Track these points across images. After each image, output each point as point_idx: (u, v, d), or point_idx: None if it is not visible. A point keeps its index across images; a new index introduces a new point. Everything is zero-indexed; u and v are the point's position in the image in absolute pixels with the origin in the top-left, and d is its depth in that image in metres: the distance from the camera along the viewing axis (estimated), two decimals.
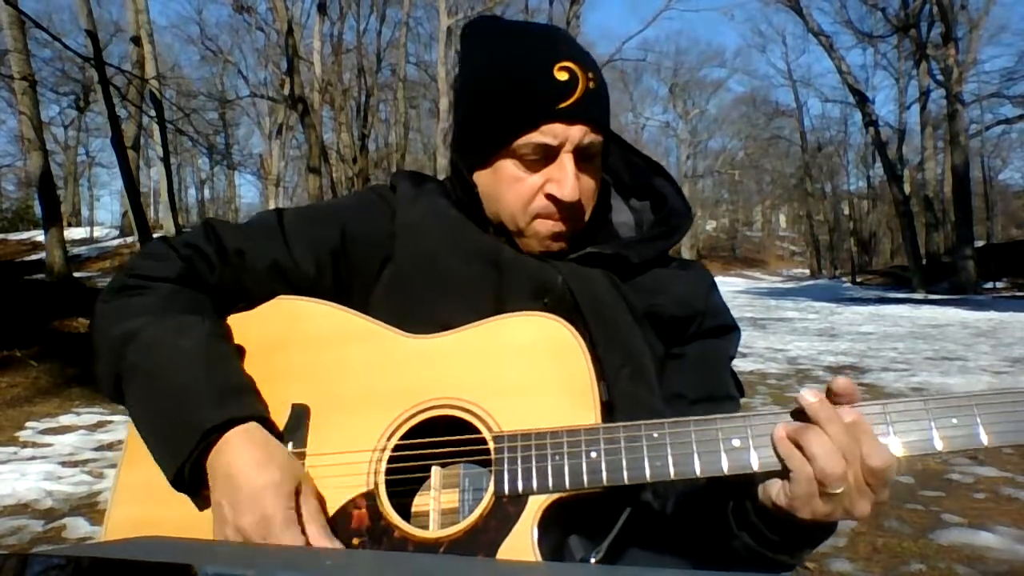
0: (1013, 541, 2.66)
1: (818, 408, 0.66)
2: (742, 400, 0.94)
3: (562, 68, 0.82)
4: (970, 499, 3.19)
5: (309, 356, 0.83)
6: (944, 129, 22.84)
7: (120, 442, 4.21)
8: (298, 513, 0.71)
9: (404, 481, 0.77)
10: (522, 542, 0.70)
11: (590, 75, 0.84)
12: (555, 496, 0.71)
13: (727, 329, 0.94)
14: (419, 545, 0.72)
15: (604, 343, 0.83)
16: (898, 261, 32.93)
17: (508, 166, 0.86)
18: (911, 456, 0.67)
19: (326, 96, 22.19)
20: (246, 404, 0.75)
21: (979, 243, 23.09)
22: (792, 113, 37.52)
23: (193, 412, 0.73)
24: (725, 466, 0.69)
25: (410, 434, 0.77)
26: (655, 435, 0.71)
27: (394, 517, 0.74)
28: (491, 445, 0.74)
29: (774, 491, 0.68)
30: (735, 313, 0.97)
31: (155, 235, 7.41)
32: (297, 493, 0.72)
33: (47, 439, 4.36)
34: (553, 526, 0.73)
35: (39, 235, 17.14)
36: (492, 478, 0.73)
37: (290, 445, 0.79)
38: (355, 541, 0.73)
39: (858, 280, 28.74)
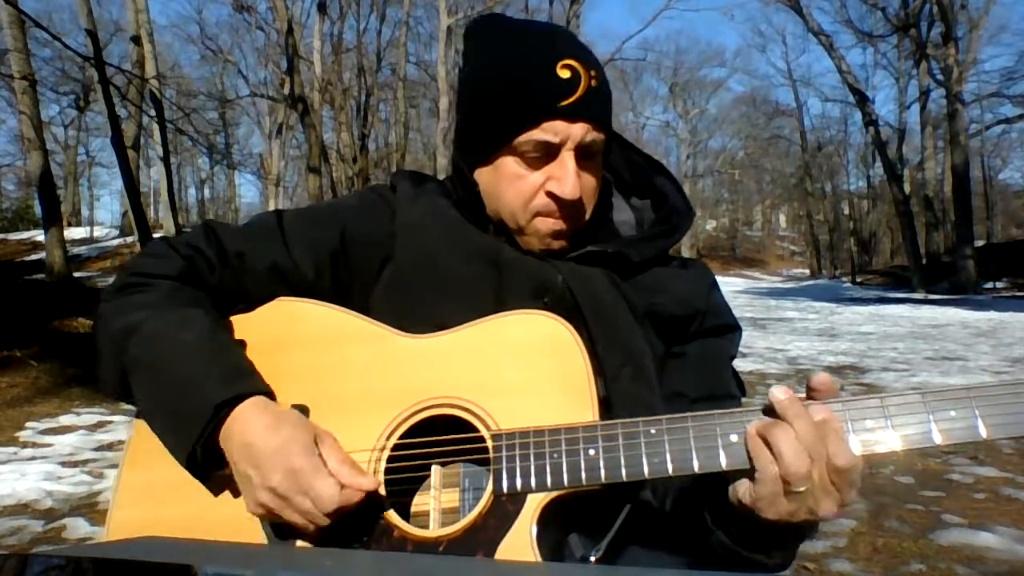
0: (1013, 541, 2.66)
1: (786, 405, 0.66)
2: (743, 400, 0.94)
3: (564, 66, 0.82)
4: (970, 499, 3.19)
5: (308, 357, 0.83)
6: (944, 129, 22.85)
7: (120, 442, 4.21)
8: (322, 460, 0.72)
9: (403, 480, 0.77)
10: (521, 540, 0.70)
11: (592, 73, 0.84)
12: (554, 494, 0.72)
13: (728, 328, 0.94)
14: (418, 544, 0.72)
15: (604, 342, 0.83)
16: (898, 261, 32.94)
17: (509, 163, 0.86)
18: (910, 449, 0.67)
19: (326, 96, 22.20)
20: (253, 383, 0.77)
21: (979, 243, 23.10)
22: (792, 113, 37.55)
23: (202, 392, 0.74)
24: (724, 462, 0.69)
25: (409, 433, 0.77)
26: (653, 432, 0.71)
27: (393, 516, 0.74)
28: (489, 444, 0.74)
29: (741, 490, 0.68)
30: (735, 313, 0.96)
31: (155, 235, 7.42)
32: (316, 444, 0.73)
33: (47, 439, 4.36)
34: (552, 524, 0.73)
35: (39, 235, 17.14)
36: (490, 477, 0.73)
37: None
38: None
39: (858, 280, 28.74)
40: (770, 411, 0.67)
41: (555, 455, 0.72)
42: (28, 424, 4.70)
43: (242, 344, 0.84)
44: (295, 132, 26.89)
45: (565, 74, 0.82)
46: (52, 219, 11.22)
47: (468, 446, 0.76)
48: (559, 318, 0.79)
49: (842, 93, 29.61)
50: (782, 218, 53.24)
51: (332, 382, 0.81)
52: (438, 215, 0.91)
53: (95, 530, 2.87)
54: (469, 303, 0.83)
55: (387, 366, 0.81)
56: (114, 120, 11.07)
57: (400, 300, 0.87)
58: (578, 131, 0.82)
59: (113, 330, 0.80)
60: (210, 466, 0.75)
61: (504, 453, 0.73)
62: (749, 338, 9.17)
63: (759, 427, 0.67)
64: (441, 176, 1.05)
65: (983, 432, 0.66)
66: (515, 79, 0.83)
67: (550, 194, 0.84)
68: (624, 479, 0.70)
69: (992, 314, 12.93)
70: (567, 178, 0.83)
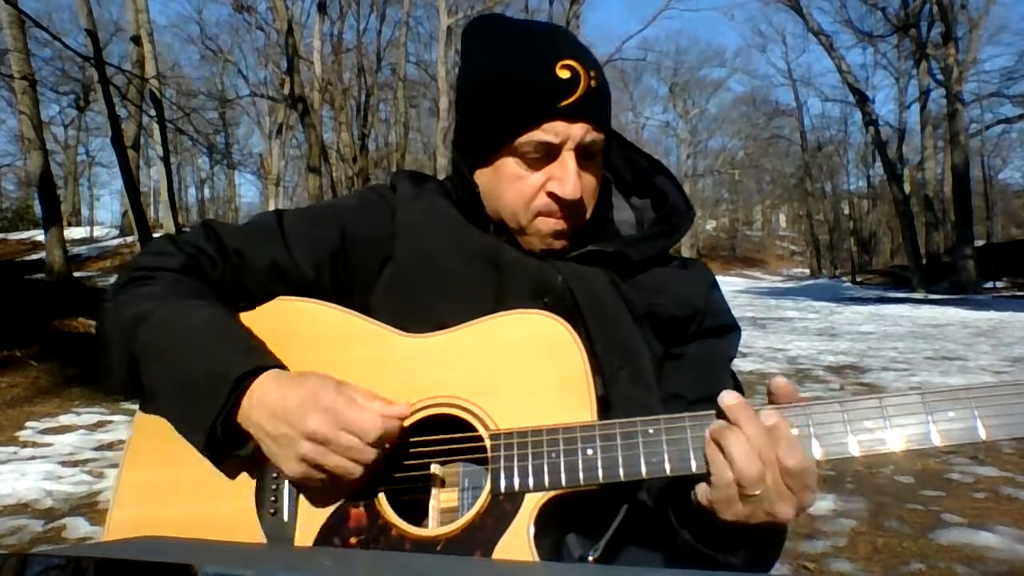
0: (1013, 541, 2.66)
1: (735, 409, 0.66)
2: None
3: (564, 66, 0.82)
4: (970, 499, 3.19)
5: (308, 356, 0.83)
6: (944, 129, 22.85)
7: (120, 442, 4.21)
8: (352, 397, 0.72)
9: (402, 479, 0.77)
10: (519, 540, 0.70)
11: (592, 73, 0.84)
12: (552, 494, 0.72)
13: (727, 329, 0.94)
14: (416, 543, 0.72)
15: (603, 343, 0.83)
16: (898, 261, 32.94)
17: (510, 164, 0.86)
18: (909, 450, 0.67)
19: (326, 96, 22.20)
20: (267, 357, 0.78)
21: (979, 243, 23.10)
22: (792, 113, 37.55)
23: (221, 366, 0.74)
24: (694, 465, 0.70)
25: (408, 433, 0.77)
26: (651, 432, 0.71)
27: (392, 516, 0.74)
28: (488, 443, 0.74)
29: (700, 492, 0.69)
30: (735, 313, 0.96)
31: (155, 235, 7.41)
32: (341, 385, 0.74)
33: (47, 439, 4.36)
34: (550, 524, 0.73)
35: (39, 235, 17.14)
36: (489, 476, 0.73)
37: None
38: (353, 540, 0.74)
39: (858, 280, 28.74)
40: (723, 416, 0.68)
41: (553, 455, 0.72)
42: (28, 424, 4.70)
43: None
44: (295, 132, 26.90)
45: (565, 74, 0.82)
46: (52, 219, 11.22)
47: (467, 445, 0.76)
48: (558, 318, 0.79)
49: (842, 93, 29.66)
50: (782, 218, 53.23)
51: None
52: (438, 215, 0.92)
53: (95, 530, 2.87)
54: (469, 303, 0.83)
55: (386, 365, 0.81)
56: (114, 120, 11.07)
57: (400, 300, 0.87)
58: (578, 131, 0.83)
59: (121, 320, 0.80)
60: (228, 445, 0.75)
61: (502, 452, 0.73)
62: (749, 338, 9.18)
63: (713, 432, 0.68)
64: (441, 176, 1.05)
65: (982, 433, 0.66)
66: (515, 80, 0.83)
67: (551, 194, 0.84)
68: (622, 479, 0.70)
69: (992, 314, 12.93)
70: (568, 178, 0.83)
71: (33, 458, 3.94)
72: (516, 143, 0.84)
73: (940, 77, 20.97)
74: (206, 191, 44.55)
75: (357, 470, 0.71)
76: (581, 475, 0.71)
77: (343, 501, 0.76)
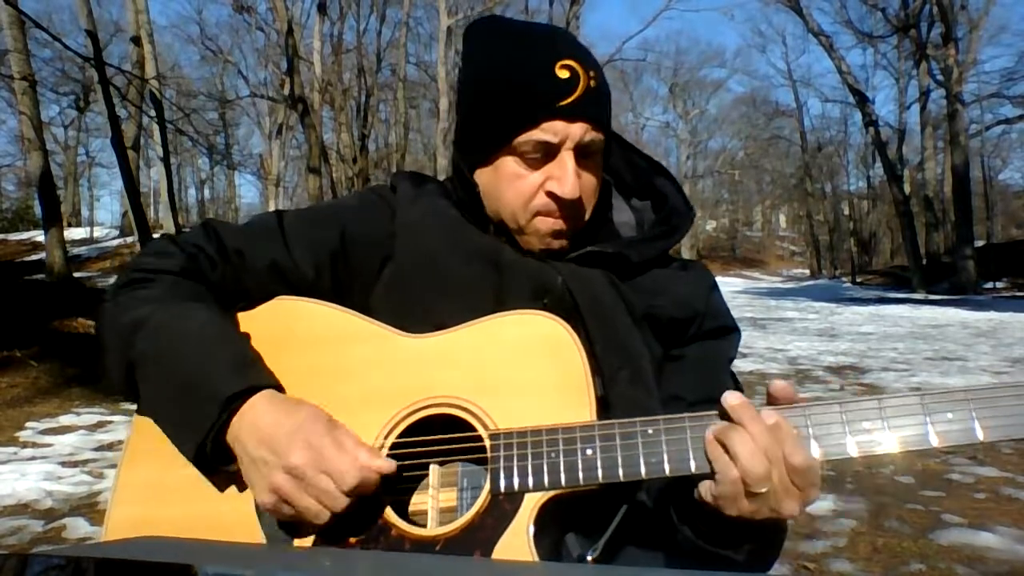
0: (1013, 541, 2.66)
1: (739, 409, 0.67)
2: None
3: (563, 66, 0.83)
4: (970, 499, 3.19)
5: (307, 356, 0.83)
6: (944, 129, 22.85)
7: (120, 442, 4.21)
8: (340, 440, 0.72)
9: (401, 479, 0.77)
10: (518, 540, 0.70)
11: (591, 74, 0.84)
12: (551, 494, 0.72)
13: (727, 330, 0.94)
14: (416, 543, 0.72)
15: (603, 344, 0.83)
16: (898, 261, 32.93)
17: (509, 163, 0.86)
18: (907, 451, 0.68)
19: (326, 96, 22.20)
20: (262, 374, 0.77)
21: (979, 243, 23.10)
22: (792, 113, 37.55)
23: (212, 383, 0.73)
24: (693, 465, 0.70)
25: (407, 433, 0.77)
26: (650, 432, 0.71)
27: (391, 515, 0.74)
28: (487, 443, 0.74)
29: (703, 488, 0.69)
30: (735, 313, 0.97)
31: (155, 235, 7.41)
32: (331, 425, 0.73)
33: (47, 439, 4.36)
34: (549, 524, 0.73)
35: (39, 235, 17.14)
36: (488, 476, 0.73)
37: None
38: (352, 540, 0.74)
39: (858, 280, 28.74)
40: (726, 416, 0.68)
41: (552, 455, 0.72)
42: (28, 424, 4.70)
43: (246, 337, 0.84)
44: (295, 132, 26.89)
45: (564, 74, 0.82)
46: (52, 219, 11.22)
47: (466, 445, 0.76)
48: (558, 318, 0.79)
49: (842, 93, 29.65)
50: (782, 218, 53.22)
51: (331, 381, 0.81)
52: (438, 215, 0.92)
53: (95, 530, 2.87)
54: (469, 303, 0.83)
55: (386, 365, 0.81)
56: (114, 120, 11.07)
57: (400, 300, 0.87)
58: (577, 131, 0.83)
59: (119, 325, 0.80)
60: (218, 461, 0.75)
61: (502, 452, 0.73)
62: (749, 338, 9.18)
63: (716, 431, 0.68)
64: (441, 177, 1.05)
65: (980, 434, 0.66)
66: (514, 80, 0.84)
67: (550, 194, 0.85)
68: (621, 479, 0.70)
69: (992, 314, 12.93)
70: (566, 178, 0.83)
71: (33, 458, 3.94)
72: (515, 142, 0.84)
73: (940, 77, 20.97)
74: (206, 192, 44.59)
75: (324, 515, 0.70)
76: (580, 475, 0.71)
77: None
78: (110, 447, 4.21)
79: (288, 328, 0.85)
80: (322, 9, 22.19)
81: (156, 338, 0.77)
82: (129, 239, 18.11)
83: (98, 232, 25.76)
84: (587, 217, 0.89)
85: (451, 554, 0.71)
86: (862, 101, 24.20)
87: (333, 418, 0.74)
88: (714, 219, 50.59)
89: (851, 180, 39.81)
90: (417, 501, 0.79)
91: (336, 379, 0.81)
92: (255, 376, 0.75)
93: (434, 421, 0.78)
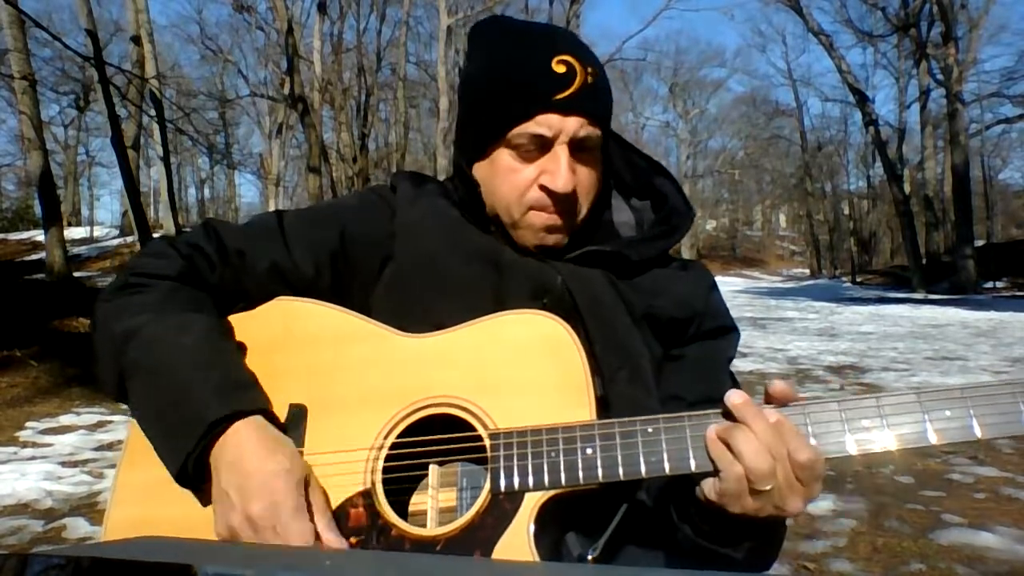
0: (1013, 541, 2.66)
1: (743, 408, 0.67)
2: None
3: (560, 61, 0.83)
4: (970, 499, 3.19)
5: (307, 357, 0.83)
6: (944, 129, 22.84)
7: (120, 442, 4.21)
8: (307, 503, 0.71)
9: (401, 479, 0.77)
10: (518, 539, 0.70)
11: (589, 70, 0.84)
12: (551, 493, 0.72)
13: (726, 330, 0.94)
14: (416, 543, 0.72)
15: (602, 343, 0.83)
16: (898, 261, 32.92)
17: (504, 157, 0.86)
18: (905, 448, 0.68)
19: (326, 96, 22.20)
20: (250, 398, 0.76)
21: (979, 243, 23.10)
22: (792, 113, 37.54)
23: (197, 406, 0.73)
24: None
25: (407, 432, 0.77)
26: (650, 431, 0.71)
27: (391, 515, 0.74)
28: (487, 443, 0.74)
29: (707, 487, 0.69)
30: (735, 313, 0.97)
31: (155, 235, 7.41)
32: (305, 485, 0.72)
33: (47, 439, 4.36)
34: (550, 523, 0.73)
35: (39, 235, 17.14)
36: (488, 475, 0.73)
37: None
38: (352, 540, 0.74)
39: (858, 280, 28.74)
40: (728, 415, 0.69)
41: (552, 454, 0.72)
42: (28, 424, 4.71)
43: (242, 347, 0.83)
44: (295, 132, 26.90)
45: (560, 69, 0.82)
46: (52, 219, 11.22)
47: (466, 445, 0.76)
48: (557, 318, 0.79)
49: (842, 93, 29.65)
50: (782, 218, 53.22)
51: (331, 381, 0.81)
52: (438, 215, 0.92)
53: (95, 530, 2.87)
54: (469, 303, 0.83)
55: (386, 365, 0.81)
56: (114, 120, 11.07)
57: (400, 300, 0.87)
58: (572, 125, 0.83)
59: (112, 333, 0.79)
60: (201, 479, 0.75)
61: (502, 452, 0.73)
62: (749, 338, 9.17)
63: (719, 430, 0.68)
64: (441, 177, 1.05)
65: (978, 432, 0.66)
66: (510, 74, 0.84)
67: (543, 187, 0.85)
68: (621, 478, 0.70)
69: (992, 314, 12.93)
70: (559, 171, 0.83)
71: (33, 458, 3.94)
72: (510, 135, 0.84)
73: (940, 77, 20.97)
74: (206, 191, 44.58)
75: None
76: (580, 474, 0.71)
77: (342, 501, 0.76)
78: (110, 447, 4.22)
79: (287, 328, 0.85)
80: (322, 8, 22.19)
81: (148, 350, 0.77)
82: (129, 239, 18.11)
83: (98, 232, 25.77)
84: (583, 213, 0.89)
85: (451, 554, 0.71)
86: (862, 100, 24.19)
87: (312, 474, 0.74)
88: (714, 219, 50.59)
89: (851, 180, 39.85)
90: (417, 501, 0.79)
91: (335, 379, 0.81)
92: (241, 401, 0.74)
93: (434, 421, 0.78)
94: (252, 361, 0.82)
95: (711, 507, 0.69)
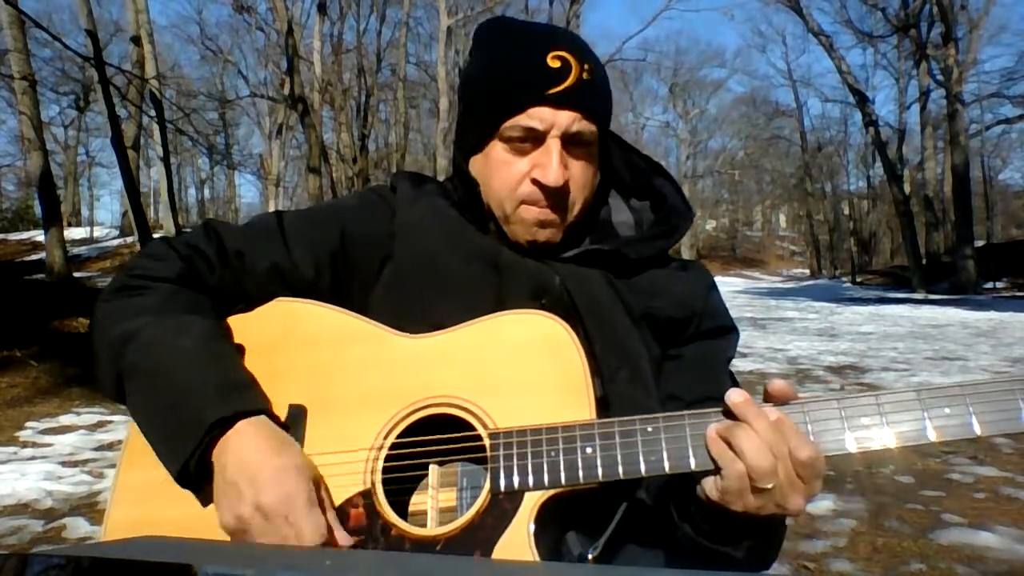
0: (1013, 541, 2.66)
1: (743, 406, 0.67)
2: None
3: (556, 56, 0.83)
4: (970, 499, 3.19)
5: (306, 357, 0.83)
6: (944, 129, 22.85)
7: (120, 442, 4.21)
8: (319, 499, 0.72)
9: (401, 479, 0.77)
10: (518, 539, 0.70)
11: (586, 66, 0.84)
12: (551, 492, 0.72)
13: (725, 330, 0.94)
14: (416, 543, 0.72)
15: (601, 344, 0.83)
16: (898, 261, 32.93)
17: (498, 150, 0.86)
18: (905, 446, 0.68)
19: (326, 96, 22.20)
20: (251, 398, 0.76)
21: (979, 243, 23.09)
22: (792, 113, 37.54)
23: (197, 407, 0.73)
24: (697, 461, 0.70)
25: (407, 433, 0.77)
26: (650, 430, 0.71)
27: (391, 515, 0.74)
28: (487, 442, 0.74)
29: (708, 486, 0.69)
30: (735, 313, 0.97)
31: (155, 235, 7.41)
32: (314, 482, 0.73)
33: (47, 439, 4.36)
34: (550, 522, 0.73)
35: (39, 235, 17.14)
36: (488, 475, 0.73)
37: None
38: (352, 540, 0.74)
39: (858, 280, 28.74)
40: (729, 414, 0.69)
41: (552, 453, 0.72)
42: (28, 424, 4.70)
43: (240, 348, 0.83)
44: (295, 132, 26.89)
45: (555, 64, 0.83)
46: (52, 219, 11.22)
47: (466, 445, 0.76)
48: (557, 318, 0.79)
49: (842, 93, 29.64)
50: (782, 218, 53.22)
51: (330, 382, 0.81)
52: (438, 216, 0.92)
53: (95, 530, 2.87)
54: (469, 303, 0.83)
55: (385, 366, 0.81)
56: (114, 120, 11.07)
57: (399, 300, 0.87)
58: (564, 119, 0.83)
59: (111, 336, 0.79)
60: (202, 480, 0.75)
61: (502, 452, 0.73)
62: (749, 338, 9.17)
63: (719, 429, 0.68)
64: (441, 177, 1.05)
65: (977, 429, 0.66)
66: (506, 69, 0.85)
67: (535, 181, 0.85)
68: (621, 477, 0.70)
69: (992, 314, 12.93)
70: (550, 165, 0.83)
71: (33, 458, 3.94)
72: (502, 128, 0.85)
73: (940, 77, 20.97)
74: (206, 191, 44.58)
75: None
76: (580, 474, 0.71)
77: (342, 501, 0.76)
78: (110, 447, 4.21)
79: (287, 329, 0.85)
80: (322, 9, 22.19)
81: (146, 353, 0.77)
82: (129, 239, 18.12)
83: (98, 232, 25.77)
84: (577, 210, 0.89)
85: (451, 554, 0.71)
86: (862, 101, 24.20)
87: (320, 475, 0.75)
88: (714, 219, 50.60)
89: (851, 180, 39.87)
90: (417, 501, 0.79)
91: (335, 380, 0.81)
92: (242, 401, 0.74)
93: (433, 421, 0.78)
94: (251, 362, 0.82)
95: (713, 506, 0.69)
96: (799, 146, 37.40)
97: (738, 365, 7.01)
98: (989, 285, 19.75)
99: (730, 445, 0.67)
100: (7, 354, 6.18)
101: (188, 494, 0.78)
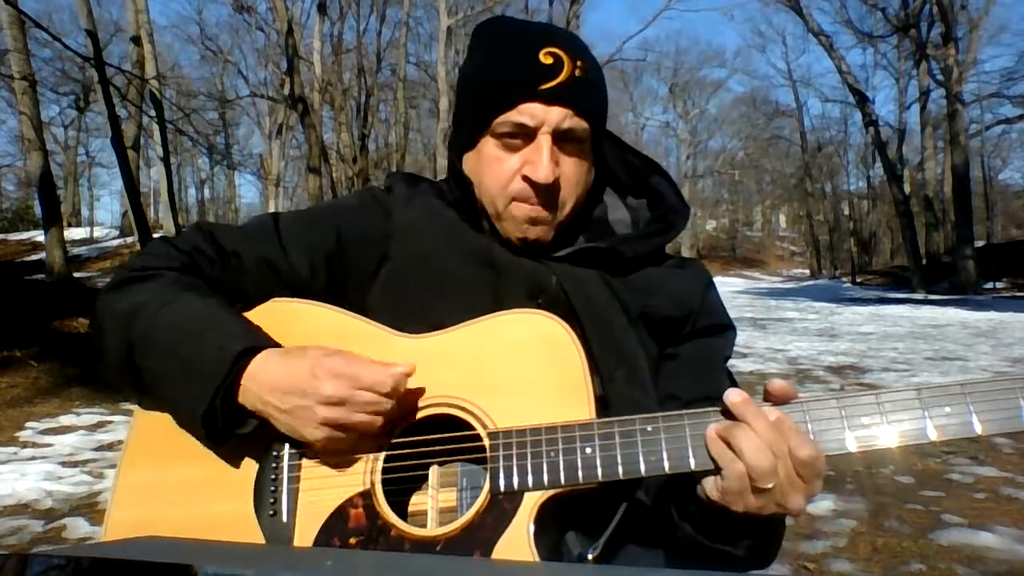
0: (1013, 541, 2.66)
1: (742, 406, 0.67)
2: None
3: (548, 53, 0.83)
4: (970, 499, 3.19)
5: None
6: (944, 129, 22.85)
7: (120, 442, 4.21)
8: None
9: (401, 480, 0.77)
10: (518, 539, 0.70)
11: (579, 63, 0.84)
12: (551, 493, 0.72)
13: (722, 328, 0.94)
14: (416, 543, 0.72)
15: (599, 343, 0.83)
16: (898, 261, 32.93)
17: (489, 147, 0.86)
18: (905, 445, 0.68)
19: (326, 96, 22.20)
20: (267, 338, 0.79)
21: (979, 243, 23.09)
22: (792, 113, 37.54)
23: (220, 343, 0.75)
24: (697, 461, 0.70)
25: (406, 433, 0.77)
26: (649, 429, 0.71)
27: (391, 516, 0.74)
28: (486, 443, 0.74)
29: (708, 485, 0.69)
30: (735, 313, 0.97)
31: (155, 235, 7.41)
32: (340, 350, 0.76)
33: (47, 439, 4.36)
34: (549, 522, 0.73)
35: (39, 235, 17.13)
36: (488, 475, 0.73)
37: (287, 446, 0.79)
38: (352, 540, 0.74)
39: (858, 280, 28.74)
40: (728, 413, 0.69)
41: (552, 453, 0.72)
42: (28, 424, 4.70)
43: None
44: (295, 132, 26.90)
45: (547, 60, 0.83)
46: (52, 219, 11.21)
47: (465, 445, 0.76)
48: (556, 317, 0.79)
49: (842, 93, 29.64)
50: (782, 218, 53.22)
51: None
52: (434, 216, 0.92)
53: (95, 530, 2.87)
54: (467, 303, 0.83)
55: None
56: (114, 120, 11.07)
57: (397, 300, 0.87)
58: (555, 116, 0.83)
59: (119, 310, 0.80)
60: (227, 424, 0.76)
61: (501, 452, 0.73)
62: (749, 338, 9.17)
63: (719, 429, 0.68)
64: (442, 177, 1.05)
65: (977, 428, 0.66)
66: (499, 66, 0.85)
67: (526, 178, 0.84)
68: (621, 477, 0.70)
69: (992, 314, 12.93)
70: (540, 161, 0.83)
71: (33, 458, 3.94)
72: (494, 124, 0.84)
73: (940, 77, 20.97)
74: (206, 191, 44.52)
75: (378, 421, 0.74)
76: (580, 474, 0.71)
77: (342, 501, 0.76)
78: (110, 447, 4.21)
79: (284, 329, 0.85)
80: (322, 9, 22.19)
81: (157, 318, 0.78)
82: (129, 239, 18.11)
83: (98, 232, 25.75)
84: (569, 207, 0.88)
85: (451, 554, 0.71)
86: (862, 101, 24.20)
87: (336, 347, 0.77)
88: (714, 219, 50.60)
89: (851, 180, 39.87)
90: (417, 501, 0.79)
91: None
92: (258, 338, 0.78)
93: (433, 421, 0.78)
94: None
95: (713, 506, 0.69)
96: (799, 146, 37.40)
97: (738, 365, 7.02)
98: (989, 285, 19.75)
99: (730, 445, 0.67)
100: (7, 354, 6.18)
101: (189, 495, 0.78)
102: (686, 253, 32.17)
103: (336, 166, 23.66)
